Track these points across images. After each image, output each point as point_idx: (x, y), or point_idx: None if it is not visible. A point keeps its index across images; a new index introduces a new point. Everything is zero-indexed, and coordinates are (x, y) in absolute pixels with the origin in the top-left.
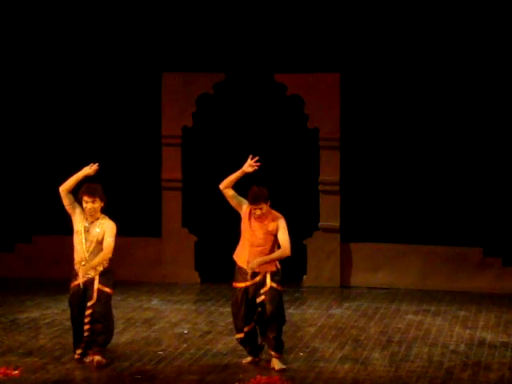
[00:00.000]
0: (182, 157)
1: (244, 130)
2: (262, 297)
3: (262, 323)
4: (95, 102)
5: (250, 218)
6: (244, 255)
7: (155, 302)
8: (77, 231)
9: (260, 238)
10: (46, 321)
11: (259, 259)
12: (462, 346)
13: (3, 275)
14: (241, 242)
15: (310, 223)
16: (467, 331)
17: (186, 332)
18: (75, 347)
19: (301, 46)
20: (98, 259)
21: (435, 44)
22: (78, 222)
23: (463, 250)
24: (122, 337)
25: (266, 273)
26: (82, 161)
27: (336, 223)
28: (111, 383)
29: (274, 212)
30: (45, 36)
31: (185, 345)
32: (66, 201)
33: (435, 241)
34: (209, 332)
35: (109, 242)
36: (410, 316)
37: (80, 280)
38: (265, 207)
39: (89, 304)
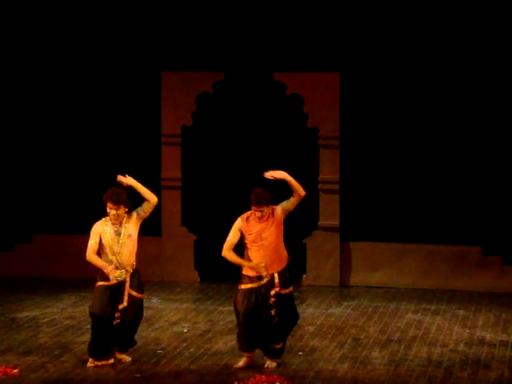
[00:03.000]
0: (182, 156)
1: (244, 130)
2: (273, 299)
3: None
4: (95, 101)
5: (249, 226)
6: (258, 260)
7: (155, 300)
8: (104, 244)
9: (269, 236)
10: (46, 320)
11: (284, 174)
12: (462, 345)
13: (3, 274)
14: (250, 259)
15: (310, 222)
16: (466, 330)
17: (185, 331)
18: (106, 356)
19: (300, 45)
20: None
21: (435, 43)
22: (104, 235)
23: (462, 249)
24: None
25: (273, 273)
26: (82, 160)
27: (335, 222)
28: (110, 382)
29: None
30: (44, 36)
31: (184, 344)
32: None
33: (435, 240)
34: (208, 331)
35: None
36: (409, 315)
37: (110, 282)
38: (265, 210)
39: (120, 307)
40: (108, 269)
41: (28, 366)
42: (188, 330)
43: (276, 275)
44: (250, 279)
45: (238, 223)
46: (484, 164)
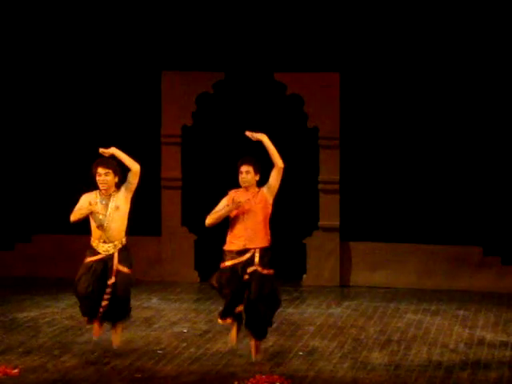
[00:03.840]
0: (182, 156)
1: (244, 129)
2: (246, 276)
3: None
4: (95, 101)
5: (235, 198)
6: (239, 235)
7: (154, 300)
8: (92, 213)
9: (253, 211)
10: (46, 320)
11: (263, 137)
12: (462, 346)
13: (3, 274)
14: (232, 232)
15: (310, 222)
16: (466, 330)
17: (185, 331)
18: (90, 320)
19: (301, 45)
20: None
21: (435, 43)
22: (93, 206)
23: (463, 250)
24: (121, 335)
25: (254, 251)
26: (82, 159)
27: (336, 222)
28: (110, 382)
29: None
30: (45, 35)
31: (184, 344)
32: (82, 217)
33: (435, 240)
34: (208, 331)
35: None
36: (409, 315)
37: (99, 256)
38: (252, 173)
39: (109, 282)
40: (87, 208)
41: (28, 366)
42: (188, 330)
43: (257, 254)
44: (231, 254)
45: (226, 197)
46: (484, 164)
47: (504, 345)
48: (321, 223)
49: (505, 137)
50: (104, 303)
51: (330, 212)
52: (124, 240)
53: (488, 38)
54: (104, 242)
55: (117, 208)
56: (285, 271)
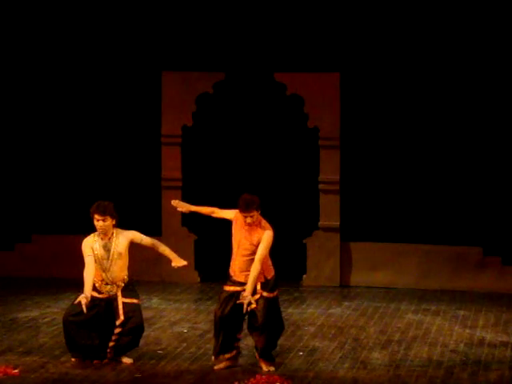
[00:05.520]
0: (182, 156)
1: (244, 130)
2: (254, 305)
3: (253, 331)
4: (95, 101)
5: (236, 228)
6: (234, 264)
7: (155, 301)
8: (90, 255)
9: (245, 248)
10: (46, 320)
11: (248, 292)
12: (462, 346)
13: (3, 274)
14: (233, 253)
15: (310, 222)
16: (467, 330)
17: (185, 331)
18: (84, 358)
19: (301, 45)
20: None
21: (435, 43)
22: (92, 249)
23: (463, 250)
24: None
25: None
26: (82, 160)
27: (336, 222)
28: (111, 382)
29: (263, 223)
30: (45, 35)
31: (184, 344)
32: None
33: (435, 240)
34: (208, 331)
35: (148, 240)
36: (409, 315)
37: (102, 295)
38: (255, 215)
39: (117, 323)
40: (82, 300)
41: (28, 366)
42: (188, 330)
43: (258, 285)
44: (232, 282)
45: (233, 210)
46: (484, 164)
47: (504, 345)
48: (321, 223)
49: (504, 137)
50: (111, 344)
51: (330, 212)
52: (126, 278)
53: (488, 37)
54: (106, 283)
55: (119, 254)
56: (285, 271)
